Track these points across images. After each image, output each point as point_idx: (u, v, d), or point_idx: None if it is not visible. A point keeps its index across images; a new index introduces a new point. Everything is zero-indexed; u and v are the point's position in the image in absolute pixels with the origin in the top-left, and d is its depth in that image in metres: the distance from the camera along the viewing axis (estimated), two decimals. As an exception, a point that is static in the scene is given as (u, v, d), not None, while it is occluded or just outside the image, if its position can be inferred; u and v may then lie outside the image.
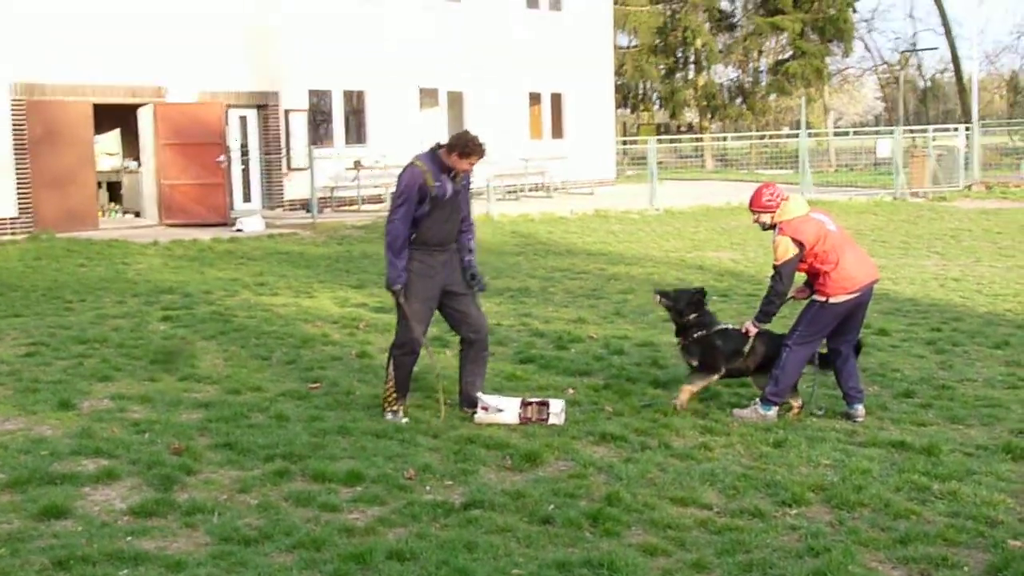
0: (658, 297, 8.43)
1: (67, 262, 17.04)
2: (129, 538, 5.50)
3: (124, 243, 19.21)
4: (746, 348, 7.92)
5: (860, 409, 7.78)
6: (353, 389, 8.66)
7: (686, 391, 7.99)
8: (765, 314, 7.86)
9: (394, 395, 7.80)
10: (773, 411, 7.68)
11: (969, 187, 28.46)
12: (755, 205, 7.81)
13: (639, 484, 6.30)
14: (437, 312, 7.90)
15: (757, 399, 7.78)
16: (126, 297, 13.53)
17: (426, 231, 7.59)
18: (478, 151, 7.52)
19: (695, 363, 8.04)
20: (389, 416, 7.75)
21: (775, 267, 7.69)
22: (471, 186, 7.97)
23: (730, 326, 8.16)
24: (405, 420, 7.70)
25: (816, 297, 7.73)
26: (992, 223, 21.59)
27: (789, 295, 7.94)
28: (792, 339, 7.76)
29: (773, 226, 7.74)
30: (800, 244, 7.58)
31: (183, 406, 8.19)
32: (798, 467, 6.56)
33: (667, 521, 5.70)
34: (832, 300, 7.67)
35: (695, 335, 8.04)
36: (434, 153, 7.64)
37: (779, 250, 7.63)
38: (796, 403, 7.83)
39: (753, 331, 7.89)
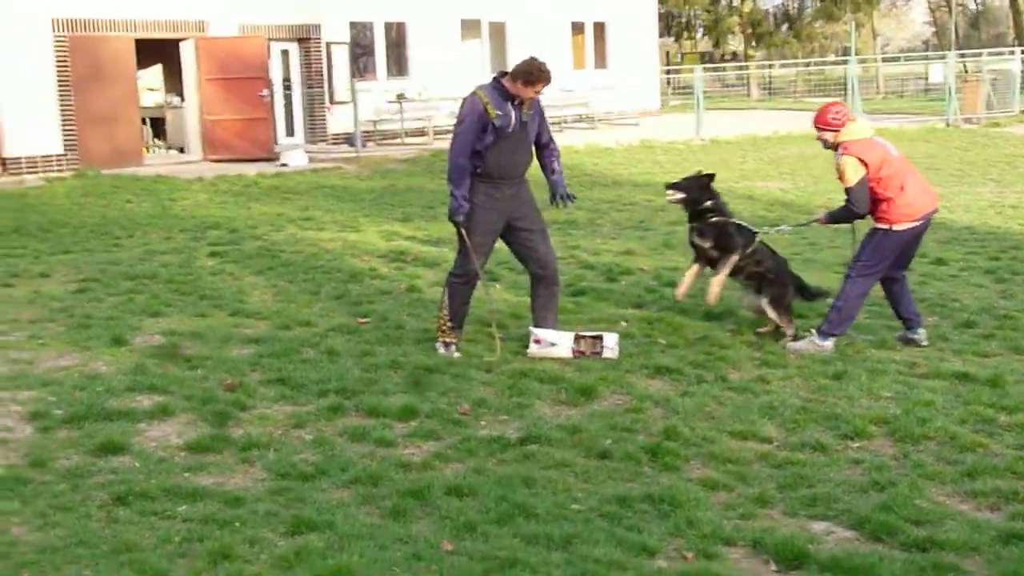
0: (670, 192, 8.35)
1: (114, 198, 17.07)
2: (187, 474, 5.50)
3: (169, 179, 19.22)
4: (751, 247, 7.97)
5: (923, 333, 7.66)
6: (403, 323, 8.60)
7: (716, 283, 8.00)
8: (834, 219, 7.80)
9: (448, 325, 7.71)
10: (831, 342, 7.54)
11: (1022, 112, 27.82)
12: (819, 122, 7.60)
13: (697, 418, 6.21)
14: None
15: (814, 330, 7.63)
16: (173, 233, 13.53)
17: (491, 163, 7.42)
18: (544, 77, 7.32)
19: (708, 245, 8.02)
20: (441, 349, 7.68)
21: (847, 190, 7.47)
22: (544, 113, 7.76)
23: (743, 223, 8.27)
24: (457, 355, 7.63)
25: (879, 225, 7.53)
26: (1048, 149, 21.13)
27: (813, 219, 7.84)
28: (855, 269, 7.59)
29: (835, 146, 7.53)
30: (865, 164, 7.38)
31: (234, 341, 8.17)
32: (859, 400, 6.44)
33: (727, 455, 5.61)
34: (896, 227, 7.48)
35: (711, 219, 8.04)
36: (497, 82, 7.46)
37: (848, 171, 7.40)
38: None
39: (823, 221, 7.89)
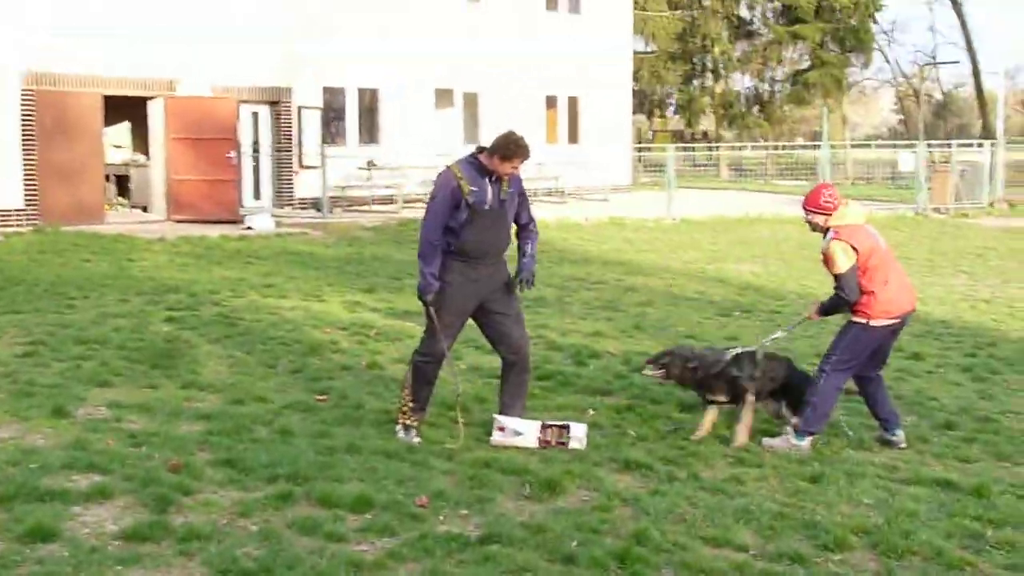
0: (648, 370, 7.85)
1: (72, 256, 16.66)
2: (119, 567, 5.08)
3: (130, 238, 18.83)
4: (757, 369, 7.47)
5: (901, 435, 7.38)
6: (363, 402, 8.24)
7: (743, 430, 7.37)
8: (826, 311, 7.49)
9: (410, 406, 7.35)
10: (807, 442, 7.24)
11: (992, 204, 27.96)
12: (811, 204, 7.34)
13: (668, 520, 5.87)
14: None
15: (789, 429, 7.34)
16: (130, 295, 13.13)
17: (466, 241, 7.12)
18: (522, 152, 7.05)
19: (724, 399, 7.53)
20: (401, 434, 7.32)
21: (836, 277, 7.20)
22: (524, 192, 7.45)
23: (739, 349, 7.76)
24: (417, 440, 7.26)
25: (856, 319, 7.28)
26: (1018, 242, 21.10)
27: (805, 316, 7.58)
28: (828, 364, 7.32)
29: (825, 230, 7.28)
30: (856, 251, 7.13)
31: (183, 417, 7.78)
32: (838, 506, 6.11)
33: (700, 564, 5.26)
34: (873, 323, 7.23)
35: (710, 372, 7.50)
36: (474, 157, 7.20)
37: (837, 257, 7.14)
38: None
39: (815, 316, 7.58)
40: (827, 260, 7.26)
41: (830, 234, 7.23)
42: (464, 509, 6.03)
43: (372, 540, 5.53)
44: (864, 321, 7.25)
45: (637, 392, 8.68)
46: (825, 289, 13.30)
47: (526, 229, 7.40)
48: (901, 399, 8.59)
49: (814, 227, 7.40)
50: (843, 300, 7.24)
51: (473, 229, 7.09)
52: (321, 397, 8.40)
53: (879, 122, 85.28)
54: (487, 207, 7.09)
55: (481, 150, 7.19)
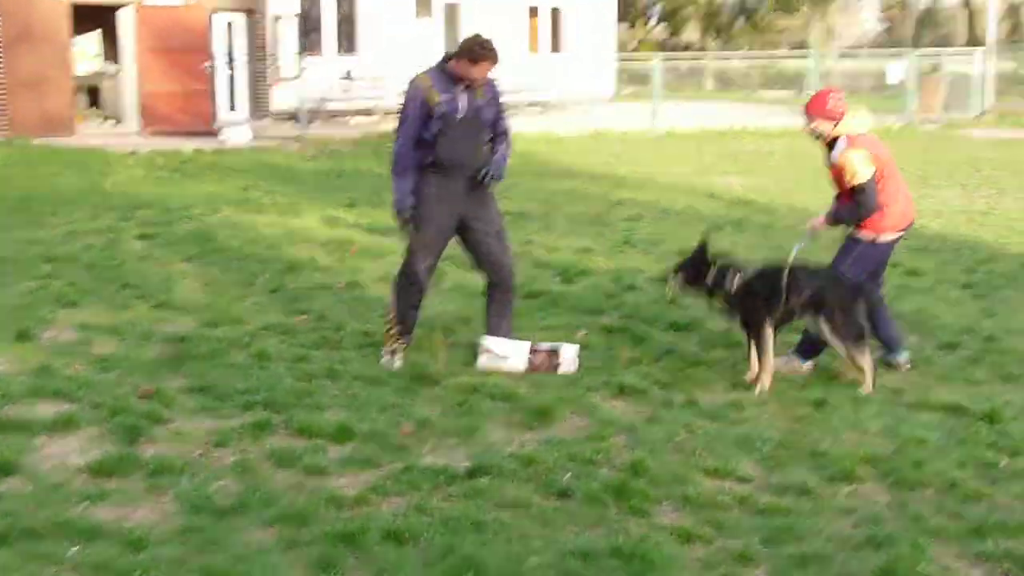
0: (672, 282, 7.12)
1: (41, 170, 16.16)
2: (84, 504, 4.76)
3: (102, 152, 18.31)
4: (783, 283, 6.66)
5: (905, 356, 7.04)
6: (343, 324, 7.89)
7: (765, 374, 6.61)
8: (837, 220, 6.88)
9: (396, 330, 7.01)
10: (810, 363, 6.93)
11: (982, 115, 27.53)
12: (815, 110, 6.76)
13: (666, 450, 5.56)
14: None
15: (791, 351, 7.01)
16: (101, 211, 12.70)
17: (442, 152, 6.70)
18: (489, 55, 6.59)
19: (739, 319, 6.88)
20: (385, 359, 6.97)
21: (857, 188, 6.63)
22: (500, 100, 6.94)
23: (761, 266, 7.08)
24: (399, 364, 6.92)
25: (862, 234, 6.85)
26: (1010, 153, 20.70)
27: (811, 225, 7.09)
28: None
29: (831, 140, 6.82)
30: (873, 158, 6.70)
31: (155, 339, 7.43)
32: (843, 433, 5.81)
33: (702, 498, 4.97)
34: (882, 238, 6.86)
35: (729, 289, 6.78)
36: (442, 65, 6.76)
37: (858, 166, 6.59)
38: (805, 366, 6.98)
39: (821, 225, 6.91)
40: (842, 171, 6.69)
41: (842, 142, 6.72)
42: (451, 439, 5.72)
43: (354, 473, 5.22)
44: (872, 236, 6.86)
45: (629, 311, 8.35)
46: (816, 203, 12.93)
47: (499, 136, 6.94)
48: (901, 318, 8.24)
49: (817, 136, 6.89)
50: (864, 211, 6.69)
51: (448, 139, 6.68)
52: (300, 318, 8.06)
53: (863, 32, 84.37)
54: (460, 116, 6.67)
55: (450, 57, 6.76)
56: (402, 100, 6.76)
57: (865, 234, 6.86)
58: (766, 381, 6.59)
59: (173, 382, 6.51)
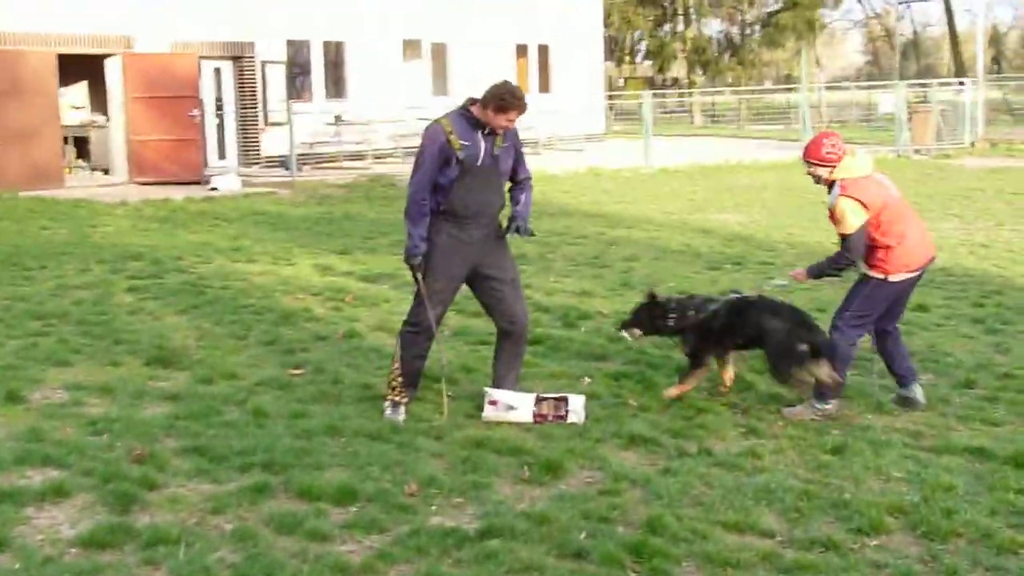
0: (624, 332, 7.45)
1: (29, 224, 15.95)
2: (76, 581, 4.52)
3: (91, 203, 18.12)
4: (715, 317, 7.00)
5: (919, 391, 6.90)
6: (341, 376, 7.67)
7: (680, 386, 7.11)
8: (820, 272, 6.91)
9: (399, 382, 6.78)
10: (832, 404, 6.73)
11: (973, 144, 27.49)
12: (812, 156, 6.71)
13: (683, 503, 5.34)
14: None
15: (811, 394, 6.79)
16: (91, 263, 12.48)
17: (456, 200, 6.51)
18: (518, 104, 6.41)
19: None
20: (388, 411, 6.74)
21: (844, 236, 6.62)
22: (520, 146, 6.81)
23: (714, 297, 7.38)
24: (404, 417, 6.70)
25: (873, 273, 6.74)
26: (1003, 182, 20.62)
27: (792, 276, 7.04)
28: (843, 320, 6.80)
29: (830, 184, 6.71)
30: (866, 208, 6.58)
31: (147, 398, 7.20)
32: (866, 481, 5.60)
33: (724, 555, 4.74)
34: (892, 278, 6.71)
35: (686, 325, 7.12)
36: (464, 109, 6.57)
37: (846, 216, 6.55)
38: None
39: (802, 278, 6.98)
40: (834, 218, 6.69)
41: (836, 189, 6.65)
42: (458, 497, 5.49)
43: (359, 538, 4.99)
44: (882, 276, 6.73)
45: (633, 356, 8.14)
46: (815, 235, 12.81)
47: (521, 183, 6.80)
48: (914, 355, 8.05)
49: (817, 180, 6.82)
50: (846, 260, 6.72)
51: (464, 187, 6.50)
52: (296, 372, 7.84)
53: (846, 64, 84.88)
54: (479, 163, 6.49)
55: (473, 102, 6.58)
56: (420, 143, 6.57)
57: (875, 273, 6.72)
58: (673, 392, 7.03)
59: (167, 443, 6.28)
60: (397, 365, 6.78)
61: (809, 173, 6.82)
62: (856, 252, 6.64)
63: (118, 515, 5.22)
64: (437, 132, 6.48)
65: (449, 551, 4.83)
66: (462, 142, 6.43)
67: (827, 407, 6.69)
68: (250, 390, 7.35)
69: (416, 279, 6.67)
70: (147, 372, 7.87)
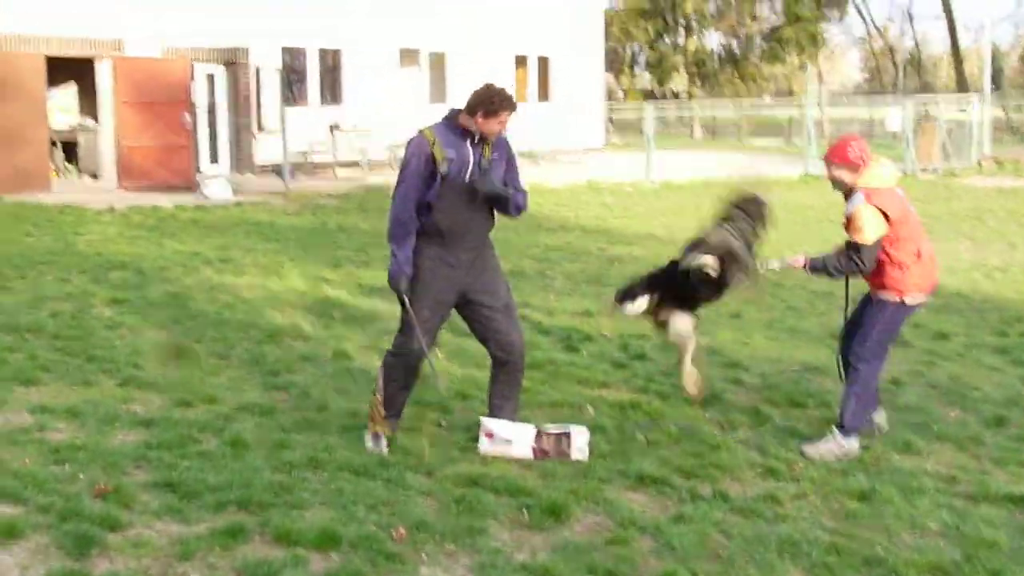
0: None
1: (12, 230, 15.42)
2: (19, 643, 4.02)
3: (78, 209, 17.61)
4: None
5: (883, 416, 6.60)
6: (327, 402, 7.17)
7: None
8: (824, 269, 6.35)
9: (381, 412, 6.28)
10: (856, 440, 6.25)
11: (980, 163, 27.04)
12: (837, 157, 6.22)
13: (700, 557, 4.84)
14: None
15: (834, 428, 6.30)
16: (72, 273, 11.95)
17: (442, 217, 5.97)
18: (508, 105, 5.90)
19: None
20: (370, 443, 6.24)
21: (858, 246, 6.13)
22: (513, 157, 6.22)
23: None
24: (386, 451, 6.19)
25: (887, 296, 6.27)
26: (1014, 203, 20.18)
27: (787, 262, 6.49)
28: (865, 350, 6.32)
29: (850, 189, 6.23)
30: (888, 220, 6.11)
31: (119, 424, 6.67)
32: (900, 534, 5.09)
33: (748, 621, 4.25)
34: (908, 300, 6.27)
35: None
36: (450, 119, 6.07)
37: (866, 225, 6.08)
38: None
39: (799, 265, 6.42)
40: (852, 225, 6.19)
41: (859, 196, 6.15)
42: (450, 544, 4.98)
43: (340, 594, 4.48)
44: (898, 300, 6.28)
45: (640, 385, 7.65)
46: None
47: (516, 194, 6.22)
48: (937, 388, 7.62)
49: (837, 185, 6.31)
50: (856, 268, 6.21)
51: (449, 203, 5.97)
52: (280, 398, 7.33)
53: (845, 80, 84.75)
54: (467, 177, 5.98)
55: (459, 112, 6.07)
56: (403, 157, 6.05)
57: (889, 296, 6.27)
58: None
59: (136, 476, 5.77)
60: (380, 397, 6.27)
61: (831, 177, 6.30)
62: (869, 262, 6.17)
63: (74, 560, 4.71)
64: (421, 143, 5.97)
65: (440, 611, 4.33)
66: (447, 152, 5.91)
67: (852, 443, 6.21)
68: (229, 416, 6.84)
69: (403, 304, 6.15)
70: (121, 394, 7.35)
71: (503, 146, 6.11)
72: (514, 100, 5.98)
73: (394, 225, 6.00)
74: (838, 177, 6.26)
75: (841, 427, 6.25)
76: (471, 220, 6.03)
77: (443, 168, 5.88)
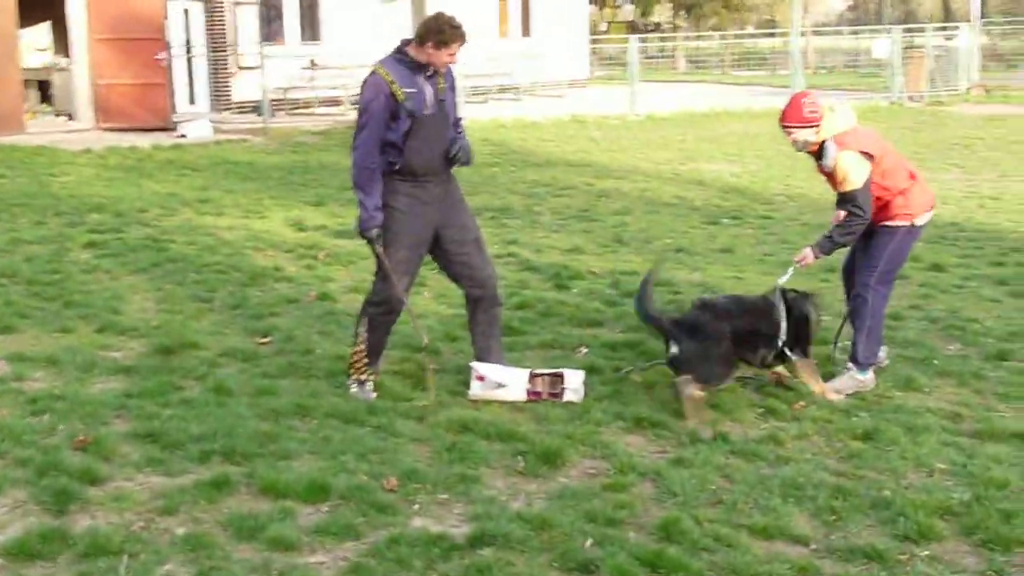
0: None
1: (-15, 173, 15.09)
2: (-4, 606, 3.85)
3: (52, 150, 17.23)
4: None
5: (884, 351, 6.44)
6: (312, 345, 6.98)
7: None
8: (832, 245, 6.14)
9: (364, 361, 6.10)
10: (871, 374, 6.11)
11: (969, 90, 26.77)
12: (792, 119, 6.01)
13: (701, 502, 4.68)
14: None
15: (850, 364, 6.14)
16: (47, 216, 11.68)
17: (411, 156, 5.76)
18: (459, 35, 5.67)
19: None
20: (354, 388, 6.06)
21: (848, 194, 5.96)
22: (455, 87, 6.06)
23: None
24: (375, 394, 6.02)
25: (897, 223, 6.12)
26: (1003, 131, 19.94)
27: (797, 262, 6.26)
28: (873, 278, 6.14)
29: (818, 146, 6.03)
30: (870, 157, 5.93)
31: (98, 371, 6.47)
32: (907, 475, 4.95)
33: (753, 569, 4.09)
34: (918, 221, 6.17)
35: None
36: (399, 53, 5.81)
37: (852, 170, 5.91)
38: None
39: (811, 259, 6.17)
40: (838, 177, 6.01)
41: (831, 147, 5.96)
42: (443, 492, 4.82)
43: (329, 547, 4.31)
44: (908, 223, 6.14)
45: (633, 322, 7.44)
46: (815, 187, 12.05)
47: (455, 124, 6.02)
48: (937, 322, 7.46)
49: (801, 146, 6.09)
50: (859, 220, 6.00)
51: (417, 140, 5.74)
52: (264, 340, 7.13)
53: (829, 10, 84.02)
54: (428, 111, 5.74)
55: (407, 43, 5.81)
56: (360, 100, 5.80)
57: (898, 222, 6.12)
58: None
59: (116, 426, 5.58)
60: (361, 346, 6.07)
61: (794, 142, 6.10)
62: (867, 207, 5.97)
63: (53, 516, 4.53)
64: (378, 83, 5.71)
65: (435, 563, 4.17)
66: (406, 90, 5.67)
67: (868, 377, 6.07)
68: (212, 362, 6.65)
69: (376, 253, 5.92)
70: (99, 340, 7.15)
71: (450, 76, 5.94)
72: (464, 30, 5.74)
73: (359, 172, 5.76)
74: (802, 139, 6.06)
75: (856, 361, 6.09)
76: (437, 154, 5.85)
77: (409, 105, 5.66)
